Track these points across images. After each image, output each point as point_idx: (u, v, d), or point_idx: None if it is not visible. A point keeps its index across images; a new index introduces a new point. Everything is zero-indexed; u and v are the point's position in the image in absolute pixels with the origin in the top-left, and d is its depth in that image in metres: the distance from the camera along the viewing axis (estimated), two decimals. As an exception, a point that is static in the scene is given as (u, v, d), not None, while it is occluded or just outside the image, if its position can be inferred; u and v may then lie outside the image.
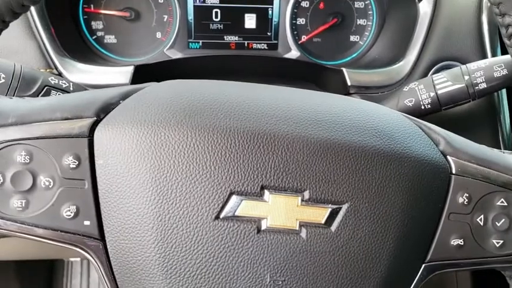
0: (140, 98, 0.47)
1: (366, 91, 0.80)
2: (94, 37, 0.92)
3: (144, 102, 0.46)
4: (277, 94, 0.49)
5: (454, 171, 0.48)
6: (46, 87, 0.60)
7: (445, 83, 0.66)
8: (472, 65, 0.67)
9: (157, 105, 0.45)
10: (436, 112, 0.68)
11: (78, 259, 1.49)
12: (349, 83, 0.80)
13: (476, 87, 0.66)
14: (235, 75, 0.90)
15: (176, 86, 0.48)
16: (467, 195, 0.47)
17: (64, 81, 0.62)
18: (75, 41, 0.89)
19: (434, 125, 0.51)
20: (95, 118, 0.44)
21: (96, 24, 0.92)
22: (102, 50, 0.93)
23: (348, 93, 0.81)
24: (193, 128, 0.43)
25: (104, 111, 0.45)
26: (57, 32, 0.78)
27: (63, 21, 0.84)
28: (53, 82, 0.61)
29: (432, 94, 0.66)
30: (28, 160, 0.43)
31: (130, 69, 0.76)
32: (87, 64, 0.77)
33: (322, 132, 0.45)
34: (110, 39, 0.93)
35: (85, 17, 0.91)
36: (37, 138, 0.43)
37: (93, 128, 0.44)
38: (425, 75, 0.81)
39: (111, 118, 0.45)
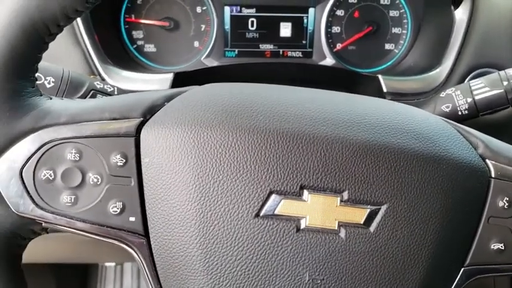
0: (183, 100, 0.48)
1: (401, 98, 0.80)
2: (134, 46, 0.95)
3: (187, 104, 0.47)
4: (315, 96, 0.50)
5: (493, 175, 0.48)
6: (92, 91, 0.63)
7: (483, 88, 0.66)
8: (511, 71, 0.67)
9: (200, 107, 0.47)
10: (474, 118, 0.68)
11: (112, 264, 1.52)
12: (385, 90, 0.80)
13: (516, 93, 0.66)
14: (270, 83, 0.92)
15: (217, 89, 0.50)
16: (507, 199, 0.47)
17: (109, 86, 0.65)
18: (117, 49, 0.92)
19: (472, 129, 0.52)
20: (142, 119, 0.46)
21: (137, 34, 0.95)
22: (142, 59, 0.96)
23: (383, 100, 0.82)
24: (234, 129, 0.45)
25: (149, 112, 0.47)
26: (100, 40, 0.81)
27: (105, 30, 0.88)
28: (98, 86, 0.64)
29: (469, 100, 0.66)
30: (78, 158, 0.45)
31: (170, 76, 0.79)
32: (129, 71, 0.80)
33: (361, 134, 0.46)
34: (150, 48, 0.96)
35: (126, 26, 0.94)
36: (87, 137, 0.45)
37: (139, 128, 0.46)
38: (461, 82, 0.81)
39: (156, 119, 0.47)
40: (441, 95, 0.69)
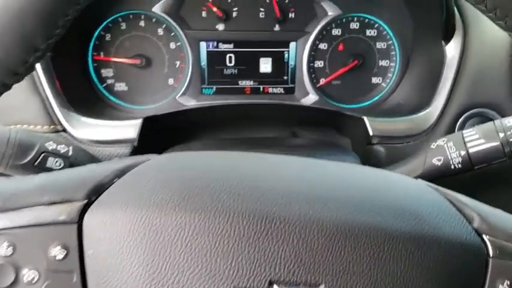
0: (136, 175, 0.42)
1: (389, 141, 0.74)
2: (104, 85, 0.89)
3: (139, 181, 0.41)
4: (287, 167, 0.44)
5: (491, 254, 0.42)
6: (43, 154, 0.56)
7: (477, 140, 0.60)
8: (507, 120, 0.61)
9: (154, 185, 0.40)
10: (468, 171, 0.62)
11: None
12: (371, 133, 0.74)
13: (513, 146, 0.59)
14: (250, 122, 0.86)
15: (176, 161, 0.44)
16: (508, 282, 0.41)
17: (63, 146, 0.59)
18: (84, 91, 0.86)
19: (466, 197, 0.45)
20: (86, 201, 0.40)
21: (106, 72, 0.89)
22: (113, 98, 0.89)
23: (370, 143, 0.76)
24: (192, 212, 0.39)
25: (95, 192, 0.41)
26: (63, 83, 0.75)
27: (70, 70, 0.82)
28: (50, 148, 0.57)
29: (463, 153, 0.60)
30: (11, 252, 0.38)
31: (139, 122, 0.72)
32: (94, 118, 0.73)
33: (338, 214, 0.39)
34: (121, 86, 0.90)
35: (95, 64, 0.88)
36: (21, 227, 0.39)
37: (83, 212, 0.39)
38: (454, 123, 0.75)
39: (103, 200, 0.40)
40: (432, 147, 0.63)
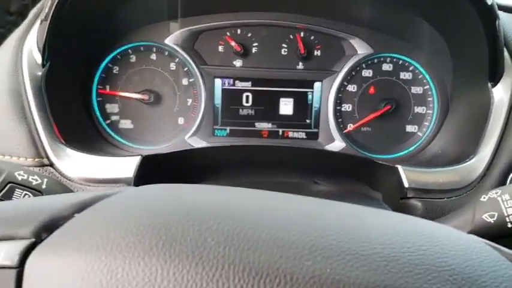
0: (99, 211, 0.33)
1: (427, 195, 0.63)
2: (108, 121, 0.81)
3: (102, 219, 0.31)
4: (300, 209, 0.34)
5: None
6: (9, 184, 0.47)
7: (543, 193, 0.49)
8: None
9: (120, 224, 0.31)
10: (529, 232, 0.50)
11: None
12: (406, 185, 0.63)
13: None
14: (267, 168, 0.76)
15: (154, 194, 0.34)
16: None
17: (35, 177, 0.50)
18: (82, 125, 0.78)
19: None
20: (33, 239, 0.30)
21: (111, 107, 0.81)
22: (116, 136, 0.81)
23: (404, 197, 0.64)
24: (167, 261, 0.29)
25: (45, 229, 0.31)
26: (56, 112, 0.66)
27: (68, 100, 0.74)
28: (19, 178, 0.48)
29: (524, 208, 0.49)
30: None
31: (136, 160, 0.63)
32: (88, 154, 0.64)
33: (368, 276, 0.28)
34: (126, 124, 0.82)
35: (99, 98, 0.81)
36: None
37: (26, 254, 0.30)
38: (505, 176, 0.64)
39: (53, 240, 0.30)
40: (482, 199, 0.52)
